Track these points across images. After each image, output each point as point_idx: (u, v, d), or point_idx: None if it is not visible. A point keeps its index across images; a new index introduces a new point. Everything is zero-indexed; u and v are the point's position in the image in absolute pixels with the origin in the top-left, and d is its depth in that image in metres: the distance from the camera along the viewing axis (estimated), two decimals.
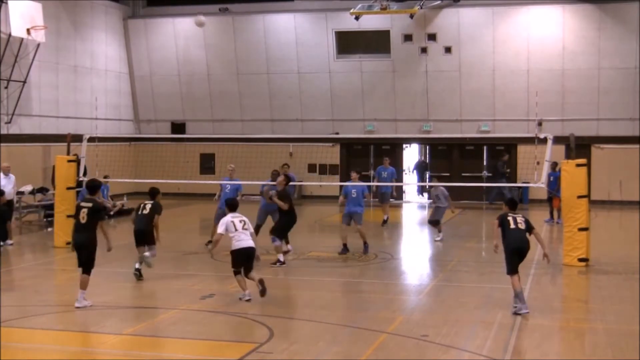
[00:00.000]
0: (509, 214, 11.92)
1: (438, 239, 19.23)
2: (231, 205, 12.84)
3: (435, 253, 18.50)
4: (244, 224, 12.43)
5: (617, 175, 28.82)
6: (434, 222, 19.43)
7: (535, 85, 29.20)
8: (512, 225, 11.74)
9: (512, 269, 11.61)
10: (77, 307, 11.71)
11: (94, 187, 12.49)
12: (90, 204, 11.99)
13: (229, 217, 12.51)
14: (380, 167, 23.39)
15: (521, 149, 29.83)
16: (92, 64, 30.46)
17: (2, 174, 18.75)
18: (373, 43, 31.45)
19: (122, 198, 26.71)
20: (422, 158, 31.89)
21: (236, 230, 12.32)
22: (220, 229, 12.45)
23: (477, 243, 20.71)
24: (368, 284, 14.19)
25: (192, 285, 13.59)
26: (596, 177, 27.56)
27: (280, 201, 15.60)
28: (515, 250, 11.63)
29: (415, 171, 32.25)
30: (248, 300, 12.17)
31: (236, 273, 12.37)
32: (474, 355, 9.30)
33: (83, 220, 11.87)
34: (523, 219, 11.86)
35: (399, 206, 29.93)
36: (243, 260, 12.32)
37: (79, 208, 12.11)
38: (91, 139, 19.48)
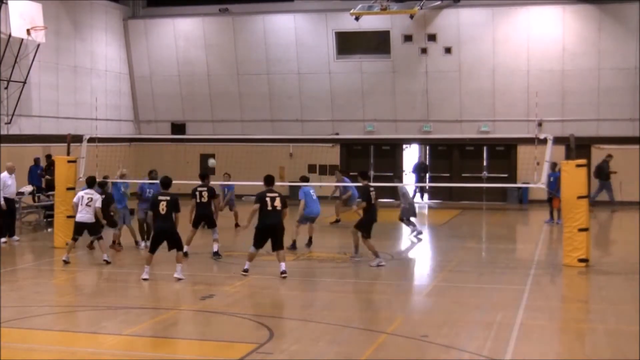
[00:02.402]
0: (267, 194, 13.97)
1: (413, 234, 19.48)
2: (88, 183, 15.95)
3: (435, 253, 18.53)
4: (90, 200, 15.43)
5: (617, 176, 28.79)
6: (406, 222, 19.68)
7: (535, 86, 29.18)
8: (268, 205, 13.90)
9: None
10: (178, 279, 13.60)
11: (167, 183, 14.42)
12: (168, 197, 13.86)
13: (81, 192, 15.64)
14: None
15: (521, 150, 29.84)
16: (92, 64, 30.47)
17: (7, 172, 18.70)
18: (373, 43, 31.44)
19: None
20: (422, 159, 31.81)
21: (81, 205, 15.41)
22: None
23: (477, 243, 20.72)
24: (368, 284, 14.19)
25: (192, 286, 13.59)
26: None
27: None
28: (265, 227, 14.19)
29: (414, 172, 32.15)
30: (66, 262, 15.21)
31: (74, 240, 15.69)
32: (474, 355, 9.29)
33: (163, 212, 13.68)
34: (279, 198, 14.08)
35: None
36: (79, 229, 15.53)
37: (157, 201, 13.82)
38: (91, 140, 19.52)
